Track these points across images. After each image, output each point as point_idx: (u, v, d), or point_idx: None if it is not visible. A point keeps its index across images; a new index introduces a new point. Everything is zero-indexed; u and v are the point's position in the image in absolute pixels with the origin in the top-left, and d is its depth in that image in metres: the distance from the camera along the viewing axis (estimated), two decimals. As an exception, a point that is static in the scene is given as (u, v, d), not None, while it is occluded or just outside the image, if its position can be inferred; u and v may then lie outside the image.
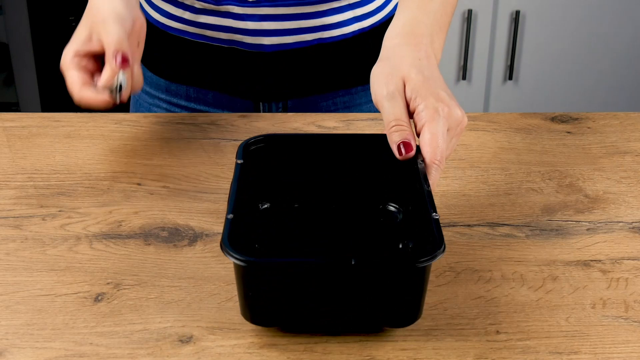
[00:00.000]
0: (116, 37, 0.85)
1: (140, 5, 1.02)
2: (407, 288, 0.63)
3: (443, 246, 0.63)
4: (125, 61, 0.85)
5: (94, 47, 0.87)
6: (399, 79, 0.76)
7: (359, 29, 1.03)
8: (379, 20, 1.05)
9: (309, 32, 1.01)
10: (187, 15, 1.02)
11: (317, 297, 0.63)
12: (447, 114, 0.74)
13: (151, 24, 1.05)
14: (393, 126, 0.74)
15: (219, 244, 0.77)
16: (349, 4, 1.02)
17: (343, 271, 0.62)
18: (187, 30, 1.03)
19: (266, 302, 0.64)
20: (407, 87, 0.76)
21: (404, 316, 0.65)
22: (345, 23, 1.02)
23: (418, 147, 0.74)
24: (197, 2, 1.00)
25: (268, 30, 1.00)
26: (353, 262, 0.61)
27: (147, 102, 1.10)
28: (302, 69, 1.04)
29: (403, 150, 0.73)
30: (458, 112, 0.75)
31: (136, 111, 1.12)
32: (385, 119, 0.75)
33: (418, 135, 0.75)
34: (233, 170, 0.73)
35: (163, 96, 1.08)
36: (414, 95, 0.75)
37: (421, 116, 0.74)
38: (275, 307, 0.64)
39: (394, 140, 0.74)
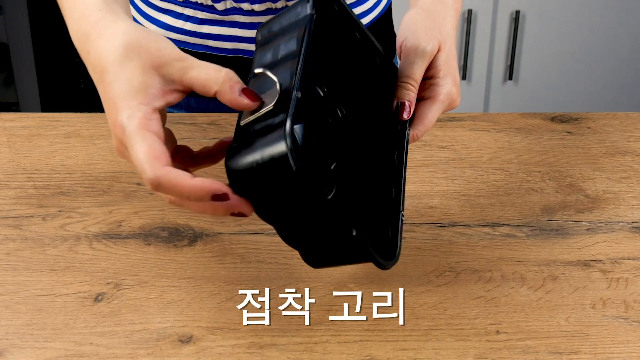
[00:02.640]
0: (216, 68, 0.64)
1: (133, 19, 1.00)
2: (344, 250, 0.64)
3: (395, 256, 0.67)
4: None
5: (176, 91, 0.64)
6: (437, 42, 0.77)
7: (359, 28, 1.03)
8: (376, 17, 1.05)
9: None
10: (188, 26, 0.99)
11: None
12: (452, 103, 0.77)
13: None
14: (408, 84, 0.75)
15: (219, 244, 0.77)
16: (351, 3, 1.02)
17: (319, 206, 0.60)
18: (188, 41, 1.00)
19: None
20: (439, 54, 0.77)
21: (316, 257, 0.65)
22: None
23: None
24: (200, 12, 0.98)
25: None
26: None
27: None
28: None
29: (403, 111, 0.75)
30: (458, 103, 0.78)
31: None
32: (405, 72, 0.76)
33: (418, 97, 0.76)
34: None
35: None
36: (440, 67, 0.77)
37: (434, 90, 0.76)
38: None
39: (401, 97, 0.75)
